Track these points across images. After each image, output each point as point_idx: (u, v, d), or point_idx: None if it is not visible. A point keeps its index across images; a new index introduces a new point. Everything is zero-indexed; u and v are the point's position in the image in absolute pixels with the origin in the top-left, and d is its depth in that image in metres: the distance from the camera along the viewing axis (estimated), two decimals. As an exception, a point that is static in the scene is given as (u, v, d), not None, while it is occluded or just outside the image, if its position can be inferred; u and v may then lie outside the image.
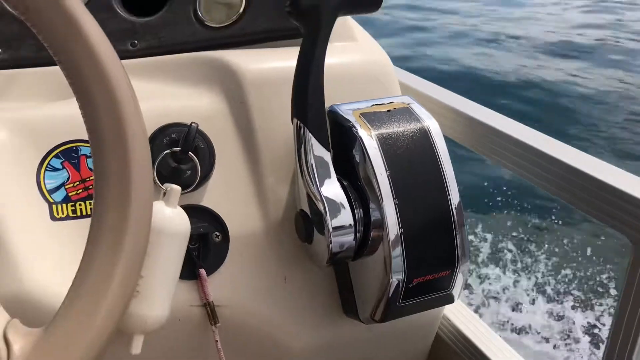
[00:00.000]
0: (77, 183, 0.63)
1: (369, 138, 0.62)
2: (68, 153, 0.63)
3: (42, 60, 0.71)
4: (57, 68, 0.73)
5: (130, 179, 0.42)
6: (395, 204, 0.60)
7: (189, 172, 0.65)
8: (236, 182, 0.68)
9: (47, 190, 0.61)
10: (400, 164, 0.62)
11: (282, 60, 0.73)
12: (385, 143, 0.62)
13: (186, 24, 0.77)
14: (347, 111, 0.65)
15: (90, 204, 0.62)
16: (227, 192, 0.67)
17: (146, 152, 0.43)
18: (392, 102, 0.67)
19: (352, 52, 0.76)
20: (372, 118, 0.64)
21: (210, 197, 0.67)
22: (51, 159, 0.62)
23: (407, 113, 0.65)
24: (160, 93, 0.71)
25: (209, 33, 0.78)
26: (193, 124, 0.63)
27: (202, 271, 0.64)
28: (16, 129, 0.61)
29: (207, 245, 0.65)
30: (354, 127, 0.63)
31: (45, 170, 0.62)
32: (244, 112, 0.69)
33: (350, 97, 0.70)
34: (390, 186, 0.60)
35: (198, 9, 0.78)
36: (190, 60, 0.75)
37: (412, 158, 0.62)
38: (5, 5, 0.42)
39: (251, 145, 0.69)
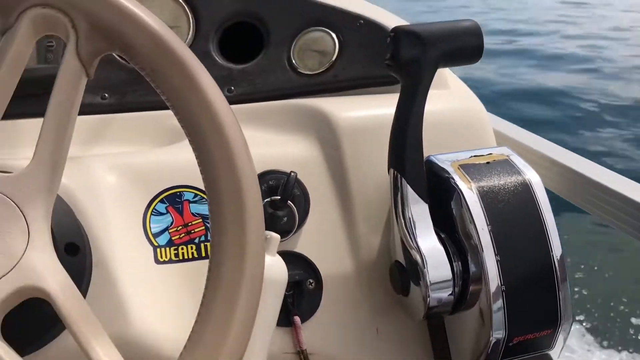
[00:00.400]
0: (180, 227, 0.65)
1: (469, 191, 0.61)
2: (172, 198, 0.65)
3: (146, 105, 0.74)
4: (158, 113, 0.76)
5: (245, 232, 0.43)
6: (496, 260, 0.59)
7: (285, 218, 0.66)
8: (330, 229, 0.68)
9: (153, 234, 0.64)
10: (502, 218, 0.60)
11: (375, 107, 0.73)
12: (486, 196, 0.61)
13: (280, 71, 0.80)
14: (445, 162, 0.64)
15: (191, 247, 0.64)
16: (320, 238, 0.68)
17: (259, 205, 0.44)
18: (490, 154, 0.66)
19: (446, 100, 0.76)
20: (471, 170, 0.63)
21: (304, 243, 0.67)
22: (157, 203, 0.64)
23: (506, 165, 0.64)
24: (257, 139, 0.73)
25: (303, 80, 0.80)
26: (292, 173, 0.64)
27: (297, 318, 0.64)
28: (125, 174, 0.64)
29: (301, 292, 0.65)
30: (453, 178, 0.62)
31: (151, 214, 0.64)
32: (338, 159, 0.70)
33: (444, 145, 0.70)
34: (492, 241, 0.59)
35: (292, 57, 0.80)
36: (285, 107, 0.76)
37: (513, 212, 0.61)
38: (132, 64, 0.45)
39: (345, 192, 0.69)
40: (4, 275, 0.42)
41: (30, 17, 0.43)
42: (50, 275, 0.44)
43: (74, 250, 0.55)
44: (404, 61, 0.62)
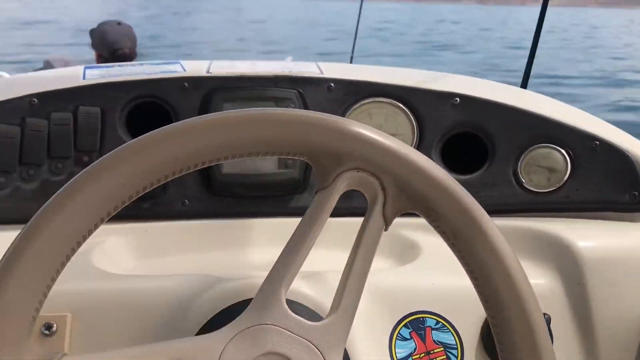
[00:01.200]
0: (422, 355, 0.65)
1: None
2: (415, 323, 0.66)
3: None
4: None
5: None
6: None
7: None
8: None
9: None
10: None
11: (618, 237, 0.70)
12: None
13: (505, 185, 0.79)
14: None
15: None
16: None
17: None
18: None
19: None
20: None
21: None
22: (401, 328, 0.65)
23: None
24: None
25: (529, 197, 0.79)
26: (546, 316, 0.63)
27: None
28: (372, 295, 0.66)
29: None
30: None
31: (396, 339, 0.65)
32: (582, 294, 0.67)
33: None
34: None
35: (518, 171, 0.79)
36: (514, 227, 0.75)
37: None
38: (431, 225, 0.46)
39: (588, 331, 0.67)
40: None
41: (345, 178, 0.46)
42: None
43: None
44: None
